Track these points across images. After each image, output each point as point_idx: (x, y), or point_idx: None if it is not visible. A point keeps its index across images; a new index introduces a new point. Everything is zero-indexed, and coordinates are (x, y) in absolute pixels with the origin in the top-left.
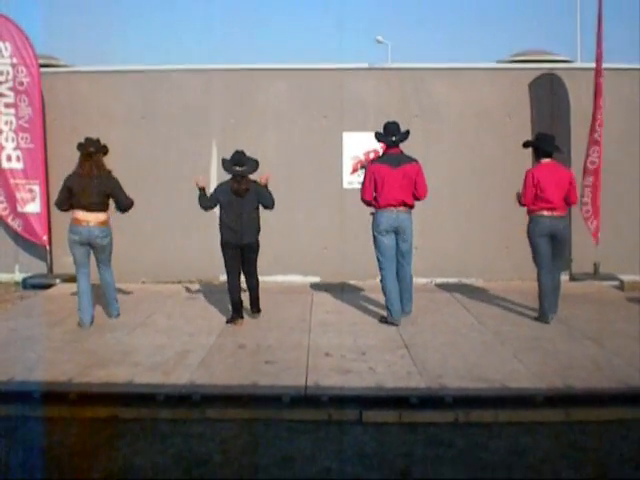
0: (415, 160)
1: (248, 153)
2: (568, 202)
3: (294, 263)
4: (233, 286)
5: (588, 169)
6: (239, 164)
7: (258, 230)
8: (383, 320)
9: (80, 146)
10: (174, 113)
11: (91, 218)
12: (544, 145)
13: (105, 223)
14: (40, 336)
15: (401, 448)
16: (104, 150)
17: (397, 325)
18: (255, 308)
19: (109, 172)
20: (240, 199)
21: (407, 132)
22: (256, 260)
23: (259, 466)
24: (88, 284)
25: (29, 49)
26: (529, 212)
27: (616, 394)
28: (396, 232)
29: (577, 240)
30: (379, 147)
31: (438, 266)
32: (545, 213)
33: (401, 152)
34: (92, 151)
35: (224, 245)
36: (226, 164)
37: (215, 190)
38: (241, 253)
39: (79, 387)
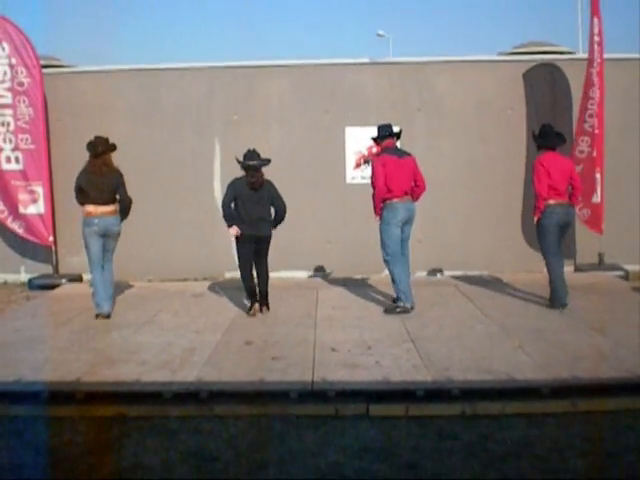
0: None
1: (250, 147)
2: (573, 190)
3: (298, 259)
4: (247, 275)
5: (577, 158)
6: (252, 159)
7: (272, 224)
8: (391, 310)
9: (89, 145)
10: (177, 111)
11: (102, 210)
12: (547, 139)
13: (116, 212)
14: (47, 336)
15: (408, 441)
16: (112, 148)
17: (411, 311)
18: (265, 302)
19: (116, 169)
20: (255, 193)
21: (400, 130)
22: (267, 252)
23: (268, 461)
24: (102, 276)
25: (30, 50)
26: (540, 203)
27: (622, 384)
28: (406, 222)
29: (581, 231)
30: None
31: (443, 259)
32: (555, 201)
33: (396, 146)
34: (101, 150)
35: (240, 238)
36: (241, 162)
37: (229, 187)
38: (255, 245)
39: (87, 386)
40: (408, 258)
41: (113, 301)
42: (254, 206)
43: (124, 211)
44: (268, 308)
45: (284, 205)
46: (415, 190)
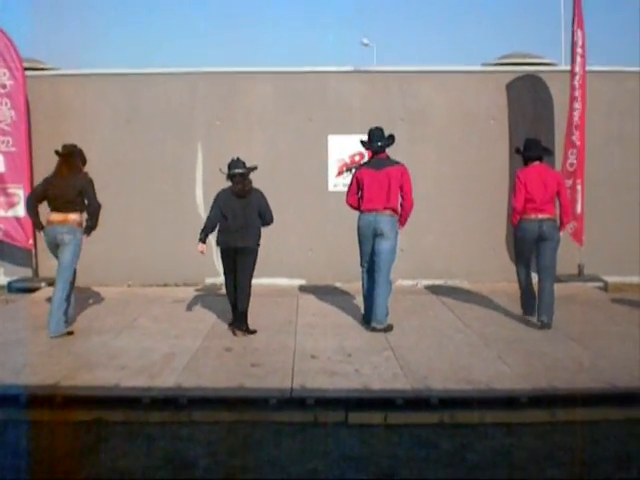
0: (400, 163)
1: (234, 156)
2: (560, 205)
3: (280, 266)
4: (229, 290)
5: (567, 171)
6: (236, 167)
7: (258, 236)
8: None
9: (57, 152)
10: (159, 116)
11: (57, 218)
12: (530, 151)
13: (72, 222)
14: (26, 339)
15: (387, 449)
16: (81, 156)
17: (370, 330)
18: (239, 323)
19: (84, 173)
20: (242, 200)
21: (391, 136)
22: (250, 267)
23: (246, 468)
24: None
25: (13, 52)
26: (515, 218)
27: (600, 394)
28: (375, 235)
29: (561, 242)
30: (364, 151)
31: (424, 268)
32: (527, 216)
33: (387, 157)
34: (65, 153)
35: (221, 250)
36: (226, 173)
37: (215, 199)
38: (236, 257)
39: (65, 390)
40: (381, 278)
41: (58, 322)
42: (239, 214)
43: (92, 218)
44: (243, 330)
45: (271, 216)
46: (402, 204)
